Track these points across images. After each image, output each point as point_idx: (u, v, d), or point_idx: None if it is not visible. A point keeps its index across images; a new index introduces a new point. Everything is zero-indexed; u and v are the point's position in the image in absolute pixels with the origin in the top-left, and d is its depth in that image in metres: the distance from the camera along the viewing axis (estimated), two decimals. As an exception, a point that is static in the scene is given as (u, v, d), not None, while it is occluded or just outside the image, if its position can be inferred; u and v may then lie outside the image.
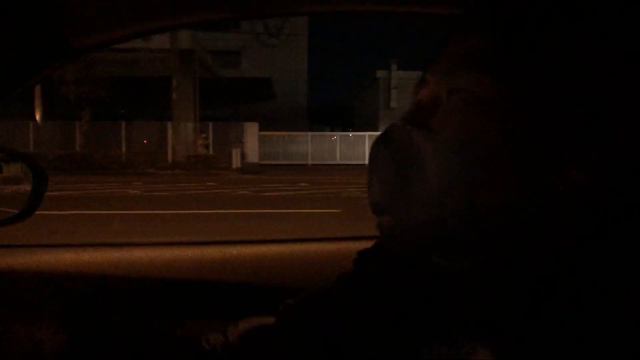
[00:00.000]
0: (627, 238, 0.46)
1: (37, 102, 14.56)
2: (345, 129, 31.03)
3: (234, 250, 1.24)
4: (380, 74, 30.42)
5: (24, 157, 0.99)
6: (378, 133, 0.58)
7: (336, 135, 24.64)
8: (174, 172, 18.61)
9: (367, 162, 0.56)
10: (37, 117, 15.81)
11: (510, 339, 0.45)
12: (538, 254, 0.48)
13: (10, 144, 19.49)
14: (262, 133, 22.03)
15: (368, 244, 0.66)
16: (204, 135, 21.18)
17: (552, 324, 0.44)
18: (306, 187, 13.18)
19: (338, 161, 23.46)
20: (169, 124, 20.85)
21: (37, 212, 0.95)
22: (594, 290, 0.44)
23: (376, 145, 0.54)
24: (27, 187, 0.95)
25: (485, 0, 0.54)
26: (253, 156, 20.69)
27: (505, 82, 0.48)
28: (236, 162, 19.46)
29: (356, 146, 23.74)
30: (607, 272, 0.45)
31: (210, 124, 21.47)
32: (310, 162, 23.42)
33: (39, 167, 0.98)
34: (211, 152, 20.76)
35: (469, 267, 0.51)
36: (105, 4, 0.97)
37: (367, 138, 23.34)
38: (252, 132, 21.68)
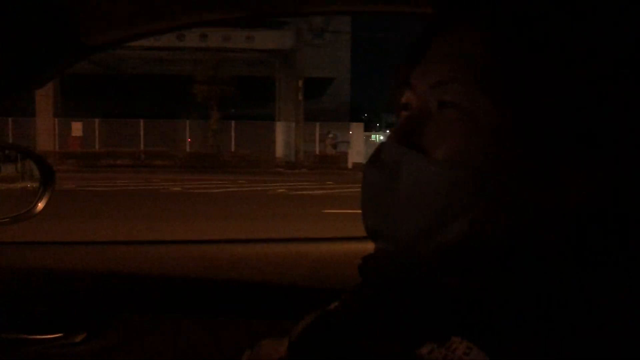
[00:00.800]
0: (627, 253, 0.46)
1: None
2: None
3: None
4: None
5: (33, 155, 0.99)
6: None
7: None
8: (300, 170, 19.25)
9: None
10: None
11: (504, 342, 0.44)
12: (535, 269, 0.47)
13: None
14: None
15: None
16: (331, 135, 21.73)
17: (549, 330, 0.43)
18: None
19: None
20: (277, 124, 21.64)
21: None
22: (592, 304, 0.44)
23: (368, 166, 0.52)
24: (19, 185, 0.95)
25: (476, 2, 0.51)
26: (359, 156, 20.98)
27: (500, 98, 0.46)
28: (350, 162, 20.10)
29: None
30: (606, 286, 0.45)
31: (317, 124, 21.97)
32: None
33: (47, 166, 0.98)
34: (335, 151, 21.42)
35: (467, 283, 0.50)
36: (117, 1, 0.97)
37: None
38: (358, 132, 22.18)
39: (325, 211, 9.02)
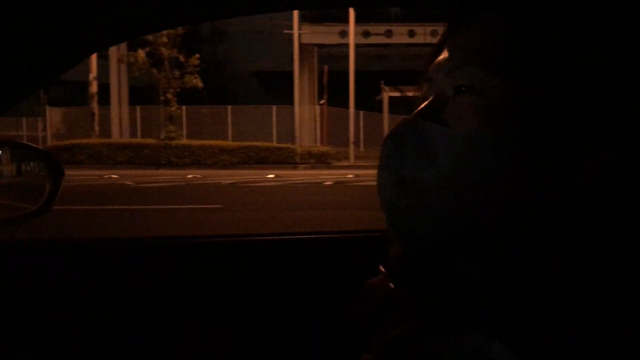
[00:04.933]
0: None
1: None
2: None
3: None
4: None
5: (43, 153, 1.01)
6: None
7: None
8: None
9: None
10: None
11: (524, 333, 0.45)
12: (553, 252, 0.48)
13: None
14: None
15: None
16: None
17: (566, 320, 0.44)
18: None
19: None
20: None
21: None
22: (610, 289, 0.44)
23: (388, 140, 0.54)
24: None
25: None
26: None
27: (513, 81, 0.49)
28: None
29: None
30: (623, 271, 0.45)
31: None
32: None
33: (56, 164, 1.00)
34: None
35: (485, 269, 0.51)
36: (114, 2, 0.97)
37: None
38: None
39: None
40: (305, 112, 23.41)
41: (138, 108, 22.69)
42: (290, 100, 22.67)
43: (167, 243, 1.26)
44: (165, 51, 18.97)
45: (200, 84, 19.61)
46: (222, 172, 16.70)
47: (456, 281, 0.52)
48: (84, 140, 18.81)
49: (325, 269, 1.20)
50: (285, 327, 1.18)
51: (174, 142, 18.85)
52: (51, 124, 22.28)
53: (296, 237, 1.28)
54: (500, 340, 0.45)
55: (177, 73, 19.29)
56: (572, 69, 0.48)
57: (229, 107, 22.81)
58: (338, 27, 22.62)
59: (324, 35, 22.73)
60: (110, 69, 21.94)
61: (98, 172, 15.71)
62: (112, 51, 20.71)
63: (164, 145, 18.57)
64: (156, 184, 13.03)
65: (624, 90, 0.47)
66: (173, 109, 19.51)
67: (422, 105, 0.55)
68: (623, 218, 0.46)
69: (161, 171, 17.02)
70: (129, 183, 13.36)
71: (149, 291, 1.18)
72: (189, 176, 15.09)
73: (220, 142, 19.50)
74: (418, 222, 0.51)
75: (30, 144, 1.02)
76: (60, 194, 0.98)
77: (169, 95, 19.42)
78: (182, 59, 19.30)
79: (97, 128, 20.32)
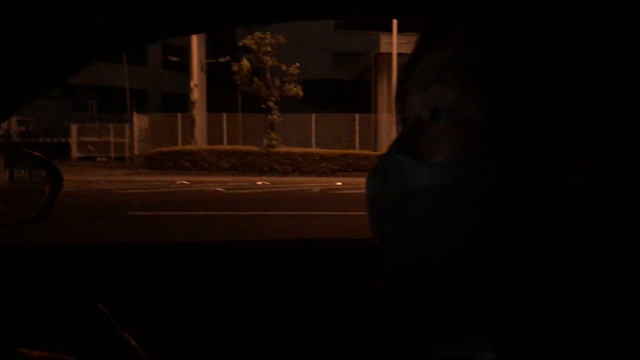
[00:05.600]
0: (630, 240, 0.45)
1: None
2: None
3: None
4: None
5: (41, 160, 1.01)
6: None
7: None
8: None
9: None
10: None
11: (515, 341, 0.45)
12: (542, 262, 0.47)
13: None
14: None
15: None
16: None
17: (558, 327, 0.44)
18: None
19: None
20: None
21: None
22: (603, 293, 0.44)
23: (370, 178, 0.54)
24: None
25: (465, 3, 0.51)
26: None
27: (492, 101, 0.46)
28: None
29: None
30: (615, 275, 0.45)
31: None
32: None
33: (55, 170, 1.00)
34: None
35: (478, 278, 0.50)
36: (124, 4, 0.96)
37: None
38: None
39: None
40: (384, 119, 23.46)
41: (240, 115, 23.56)
42: (337, 109, 22.71)
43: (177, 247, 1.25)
44: (269, 60, 19.53)
45: (301, 93, 20.02)
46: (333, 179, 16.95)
47: (447, 288, 0.51)
48: (188, 147, 19.66)
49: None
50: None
51: (276, 150, 19.29)
52: (138, 130, 23.39)
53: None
54: (492, 349, 0.45)
55: (277, 81, 19.79)
56: (554, 85, 0.45)
57: (313, 115, 23.18)
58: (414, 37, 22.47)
59: (403, 45, 22.54)
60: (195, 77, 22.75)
61: (205, 178, 16.42)
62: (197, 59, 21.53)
63: (267, 153, 19.04)
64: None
65: (611, 109, 0.44)
66: (274, 116, 20.01)
67: (401, 135, 0.54)
68: (612, 227, 0.45)
69: (271, 178, 17.55)
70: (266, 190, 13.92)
71: (154, 294, 1.17)
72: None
73: (319, 150, 19.77)
74: (406, 251, 0.51)
75: (27, 150, 1.02)
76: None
77: (270, 104, 19.96)
78: (283, 67, 19.80)
79: (196, 135, 21.18)
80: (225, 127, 23.29)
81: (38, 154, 1.00)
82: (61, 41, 0.98)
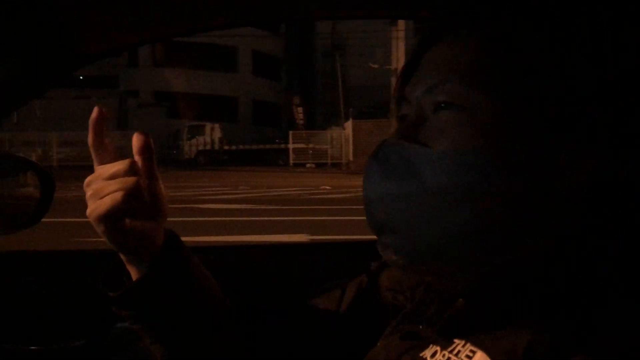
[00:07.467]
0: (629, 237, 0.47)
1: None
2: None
3: None
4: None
5: (32, 164, 1.01)
6: None
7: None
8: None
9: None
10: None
11: (508, 343, 0.45)
12: (538, 258, 0.48)
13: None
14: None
15: None
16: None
17: (556, 327, 0.45)
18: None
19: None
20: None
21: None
22: (605, 289, 0.45)
23: (370, 162, 0.54)
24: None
25: (469, 4, 0.53)
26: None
27: (496, 95, 0.48)
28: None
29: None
30: (615, 272, 0.45)
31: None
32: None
33: (47, 175, 1.00)
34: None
35: (470, 276, 0.51)
36: (114, 9, 0.95)
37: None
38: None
39: None
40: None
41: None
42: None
43: None
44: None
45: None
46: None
47: (444, 289, 0.53)
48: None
49: None
50: None
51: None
52: (351, 135, 23.15)
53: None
54: (485, 350, 0.45)
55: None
56: (555, 81, 0.47)
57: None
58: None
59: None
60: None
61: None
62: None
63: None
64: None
65: (609, 102, 0.46)
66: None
67: (402, 126, 0.54)
68: (613, 224, 0.47)
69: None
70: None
71: None
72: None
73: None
74: (404, 239, 0.51)
75: (19, 155, 1.02)
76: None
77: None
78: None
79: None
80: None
81: (28, 158, 1.01)
82: (51, 43, 0.97)
